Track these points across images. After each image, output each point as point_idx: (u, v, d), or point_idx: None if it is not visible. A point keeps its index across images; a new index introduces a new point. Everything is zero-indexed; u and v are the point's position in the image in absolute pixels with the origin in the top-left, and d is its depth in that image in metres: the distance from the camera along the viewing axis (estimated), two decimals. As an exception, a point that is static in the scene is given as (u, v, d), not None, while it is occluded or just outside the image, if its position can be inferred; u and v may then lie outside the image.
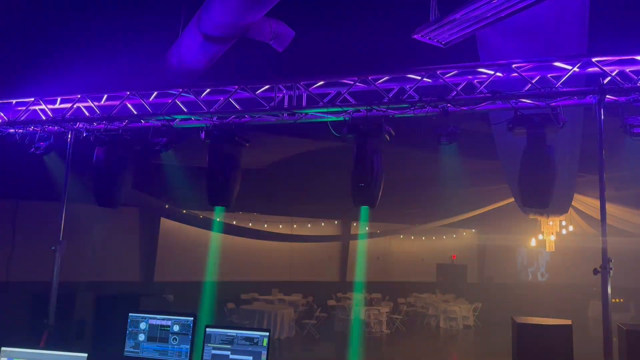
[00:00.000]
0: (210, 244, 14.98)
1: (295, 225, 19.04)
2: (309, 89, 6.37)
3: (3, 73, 7.70)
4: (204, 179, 6.77)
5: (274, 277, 17.70)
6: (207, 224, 15.37)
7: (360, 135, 6.11)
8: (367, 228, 20.23)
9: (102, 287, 11.67)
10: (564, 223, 15.91)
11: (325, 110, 6.35)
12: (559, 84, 5.49)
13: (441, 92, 5.86)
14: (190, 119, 6.84)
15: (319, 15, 7.68)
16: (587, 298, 18.22)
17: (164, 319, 4.96)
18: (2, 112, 7.66)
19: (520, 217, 15.05)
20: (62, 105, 7.36)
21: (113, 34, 7.50)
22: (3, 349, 4.34)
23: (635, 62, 5.34)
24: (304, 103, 6.44)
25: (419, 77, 5.97)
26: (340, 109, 6.25)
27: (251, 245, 16.91)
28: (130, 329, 5.00)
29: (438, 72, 5.89)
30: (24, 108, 7.55)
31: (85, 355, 4.22)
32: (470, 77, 5.88)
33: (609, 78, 5.31)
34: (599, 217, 5.17)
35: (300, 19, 7.41)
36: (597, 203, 5.18)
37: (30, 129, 7.44)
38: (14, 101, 7.62)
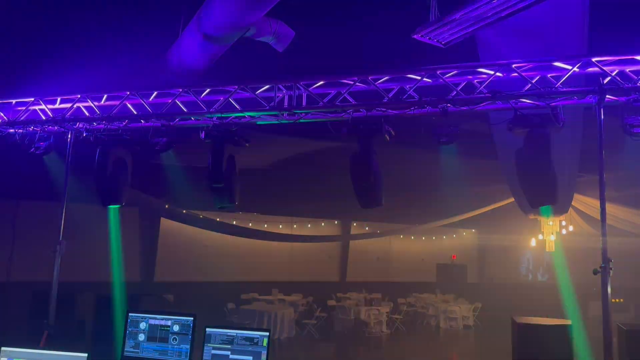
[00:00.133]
0: (210, 244, 14.98)
1: (295, 225, 19.02)
2: (309, 89, 6.37)
3: (3, 73, 7.70)
4: (205, 180, 6.77)
5: (274, 277, 17.68)
6: (207, 224, 15.36)
7: (360, 135, 6.11)
8: (367, 228, 20.24)
9: (102, 287, 11.66)
10: (564, 223, 15.90)
11: (325, 110, 6.35)
12: (559, 84, 5.49)
13: (441, 92, 5.86)
14: (190, 118, 6.84)
15: (319, 15, 7.68)
16: (587, 298, 18.21)
17: (164, 319, 4.95)
18: (2, 112, 7.66)
19: (520, 217, 15.03)
20: (62, 105, 7.35)
21: (113, 34, 7.51)
22: (3, 349, 4.34)
23: (635, 62, 5.34)
24: (304, 103, 6.44)
25: (419, 77, 5.97)
26: (340, 109, 6.25)
27: (251, 245, 16.90)
28: (130, 329, 5.00)
29: (438, 72, 5.89)
30: (24, 108, 7.55)
31: (85, 355, 4.22)
32: (470, 77, 5.88)
33: (608, 78, 5.31)
34: (599, 217, 5.16)
35: (300, 19, 7.41)
36: (597, 203, 5.17)
37: (30, 129, 7.44)
38: (14, 101, 7.62)
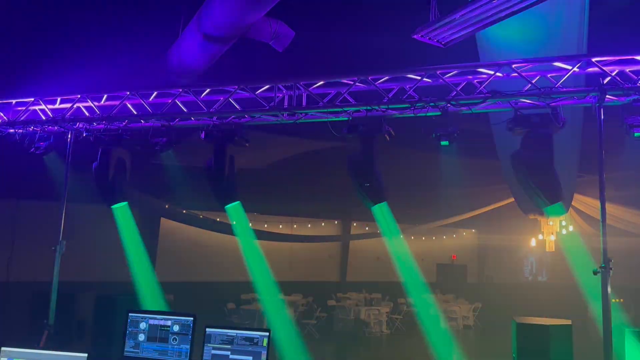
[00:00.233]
0: (210, 244, 14.98)
1: (295, 225, 19.02)
2: (309, 89, 6.37)
3: (3, 73, 7.70)
4: (206, 180, 6.78)
5: (274, 277, 17.67)
6: (207, 224, 15.35)
7: (360, 135, 6.12)
8: (367, 228, 20.23)
9: (102, 287, 11.66)
10: (564, 223, 15.90)
11: (325, 110, 6.34)
12: (559, 84, 5.49)
13: (441, 92, 5.86)
14: (190, 118, 6.84)
15: (319, 15, 7.69)
16: (587, 298, 18.21)
17: (164, 319, 4.96)
18: (2, 112, 7.65)
19: (520, 217, 15.04)
20: (62, 105, 7.35)
21: (113, 34, 7.51)
22: (3, 349, 4.34)
23: (635, 62, 5.34)
24: (304, 103, 6.43)
25: (419, 77, 5.97)
26: (340, 109, 6.25)
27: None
28: (130, 329, 5.00)
29: (438, 72, 5.88)
30: (24, 108, 7.54)
31: (85, 355, 4.22)
32: (470, 77, 5.88)
33: (608, 78, 5.31)
34: (599, 217, 5.16)
35: (300, 19, 7.41)
36: (597, 203, 5.18)
37: (30, 129, 7.44)
38: (14, 101, 7.62)
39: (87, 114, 7.18)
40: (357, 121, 6.17)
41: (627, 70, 5.38)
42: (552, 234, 15.56)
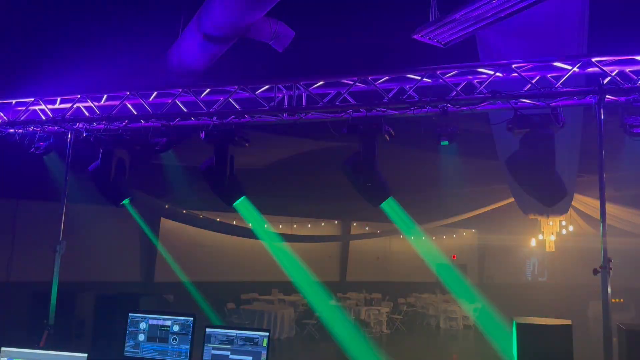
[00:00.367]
0: (210, 244, 14.98)
1: (295, 225, 19.02)
2: (309, 89, 6.37)
3: (3, 73, 7.69)
4: (207, 180, 6.78)
5: (274, 277, 17.67)
6: (207, 224, 15.36)
7: (360, 135, 6.12)
8: (367, 228, 20.24)
9: (102, 287, 11.67)
10: (564, 223, 15.91)
11: (325, 110, 6.34)
12: (559, 84, 5.49)
13: (441, 92, 5.86)
14: (190, 119, 6.84)
15: (319, 15, 7.68)
16: (587, 298, 18.22)
17: (163, 319, 4.95)
18: (2, 112, 7.65)
19: (520, 217, 15.04)
20: (62, 106, 7.35)
21: (113, 34, 7.51)
22: (3, 349, 4.34)
23: (635, 62, 5.34)
24: (303, 103, 6.43)
25: (419, 77, 5.97)
26: (340, 109, 6.25)
27: (251, 245, 16.89)
28: (130, 329, 5.00)
29: (438, 72, 5.88)
30: (24, 108, 7.55)
31: (85, 355, 4.22)
32: (470, 77, 5.88)
33: (608, 78, 5.31)
34: (599, 217, 5.17)
35: (300, 19, 7.41)
36: (597, 203, 5.18)
37: (30, 129, 7.44)
38: (13, 101, 7.62)
39: (87, 114, 7.18)
40: (357, 121, 6.17)
41: (627, 70, 5.38)
42: (552, 234, 15.56)
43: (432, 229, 19.63)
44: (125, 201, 7.55)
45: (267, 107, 6.46)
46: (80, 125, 7.23)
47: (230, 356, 4.64)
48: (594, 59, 5.40)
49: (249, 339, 4.65)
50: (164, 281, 15.29)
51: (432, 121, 5.98)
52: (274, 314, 13.65)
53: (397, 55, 6.97)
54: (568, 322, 6.38)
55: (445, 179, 10.77)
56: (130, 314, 5.04)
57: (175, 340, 4.87)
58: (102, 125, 7.15)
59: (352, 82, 6.17)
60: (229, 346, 4.67)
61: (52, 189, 8.18)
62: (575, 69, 5.48)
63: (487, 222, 18.83)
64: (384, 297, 17.48)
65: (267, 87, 6.56)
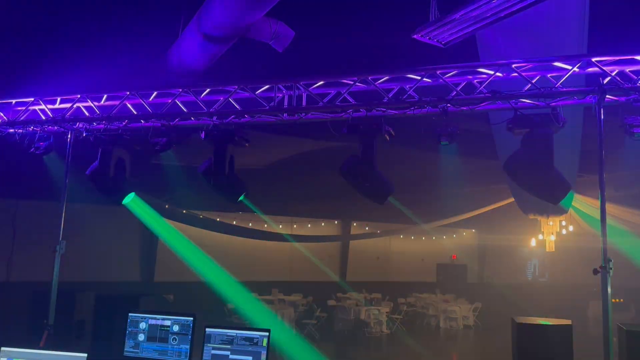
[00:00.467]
0: (210, 244, 14.95)
1: (295, 225, 19.02)
2: (309, 89, 6.37)
3: (3, 73, 7.70)
4: (207, 180, 6.78)
5: (274, 277, 17.67)
6: (207, 224, 15.35)
7: (360, 135, 6.11)
8: (367, 228, 20.22)
9: (102, 287, 11.67)
10: (564, 223, 15.90)
11: (325, 110, 6.34)
12: (559, 84, 5.49)
13: (441, 92, 5.86)
14: (190, 118, 6.84)
15: (319, 15, 7.68)
16: (587, 298, 18.22)
17: (163, 319, 4.95)
18: (2, 112, 7.65)
19: (520, 217, 15.04)
20: (62, 105, 7.35)
21: (113, 34, 7.51)
22: (3, 349, 4.34)
23: (635, 62, 5.34)
24: (303, 103, 6.43)
25: (419, 77, 5.97)
26: (340, 109, 6.25)
27: (251, 245, 16.89)
28: (130, 329, 5.00)
29: (438, 72, 5.88)
30: (24, 108, 7.54)
31: (85, 355, 4.22)
32: (470, 77, 5.87)
33: (608, 78, 5.31)
34: (599, 217, 5.16)
35: (300, 19, 7.41)
36: (597, 203, 5.17)
37: (30, 129, 7.44)
38: (13, 101, 7.62)
39: (87, 114, 7.18)
40: (357, 121, 6.17)
41: (627, 70, 5.38)
42: (552, 234, 15.55)
43: (432, 229, 19.64)
44: (127, 200, 7.54)
45: (267, 107, 6.46)
46: (80, 125, 7.22)
47: (230, 356, 4.65)
48: (594, 59, 5.40)
49: (249, 339, 4.65)
50: (164, 281, 15.30)
51: (432, 121, 5.98)
52: (274, 314, 13.65)
53: (397, 55, 6.97)
54: (568, 322, 6.39)
55: (445, 179, 10.78)
56: (130, 314, 5.04)
57: (175, 340, 4.87)
58: (102, 125, 7.15)
59: (352, 82, 6.17)
60: (228, 346, 4.67)
61: (52, 189, 8.18)
62: (575, 69, 5.48)
63: (487, 222, 18.82)
64: (384, 297, 17.48)
65: (267, 87, 6.56)
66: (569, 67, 5.48)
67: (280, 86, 6.50)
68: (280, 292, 16.65)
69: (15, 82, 7.71)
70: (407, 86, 6.05)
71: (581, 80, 5.64)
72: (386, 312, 15.76)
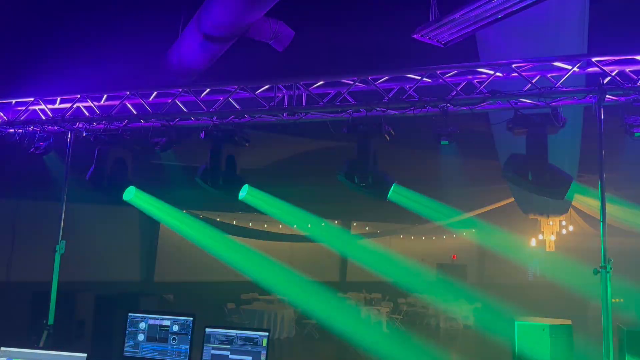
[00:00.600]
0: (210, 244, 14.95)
1: (295, 225, 19.00)
2: (309, 89, 6.37)
3: (3, 73, 7.69)
4: (206, 182, 6.78)
5: (275, 277, 17.64)
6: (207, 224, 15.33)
7: (360, 135, 6.11)
8: (367, 228, 20.22)
9: (102, 287, 11.66)
10: (564, 223, 15.89)
11: (325, 110, 6.34)
12: (558, 83, 5.49)
13: (441, 92, 5.86)
14: (190, 118, 6.84)
15: (319, 15, 7.68)
16: (587, 298, 18.21)
17: (163, 319, 4.95)
18: (2, 112, 7.66)
19: (520, 217, 15.04)
20: (62, 105, 7.36)
21: (113, 34, 7.50)
22: (3, 349, 4.34)
23: (635, 62, 5.34)
24: (303, 103, 6.44)
25: (419, 77, 5.97)
26: (340, 109, 6.25)
27: (251, 245, 16.88)
28: (129, 329, 5.00)
29: (438, 72, 5.89)
30: (24, 108, 7.55)
31: (85, 355, 4.22)
32: (470, 77, 5.88)
33: (608, 78, 5.31)
34: (599, 217, 5.16)
35: (300, 19, 7.41)
36: (597, 203, 5.17)
37: (30, 129, 7.44)
38: (13, 101, 7.62)
39: (87, 113, 7.18)
40: (357, 121, 6.17)
41: (627, 70, 5.38)
42: (552, 234, 15.55)
43: (432, 229, 19.64)
44: (128, 197, 7.53)
45: (267, 107, 6.46)
46: (80, 125, 7.23)
47: (230, 356, 4.65)
48: (594, 59, 5.40)
49: (249, 339, 4.65)
50: (164, 281, 15.30)
51: (432, 121, 5.98)
52: (274, 313, 13.65)
53: (397, 55, 6.96)
54: (568, 322, 6.39)
55: (445, 179, 10.77)
56: (129, 314, 5.04)
57: (175, 340, 4.87)
58: (102, 125, 7.15)
59: (352, 82, 6.17)
60: (228, 346, 4.67)
61: (52, 189, 8.18)
62: (575, 68, 5.48)
63: (487, 222, 18.80)
64: (384, 297, 17.47)
65: (267, 87, 6.56)
66: (569, 67, 5.48)
67: (280, 86, 6.51)
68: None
69: (15, 82, 7.71)
70: (407, 86, 6.05)
71: (581, 80, 5.65)
72: (386, 312, 15.75)
